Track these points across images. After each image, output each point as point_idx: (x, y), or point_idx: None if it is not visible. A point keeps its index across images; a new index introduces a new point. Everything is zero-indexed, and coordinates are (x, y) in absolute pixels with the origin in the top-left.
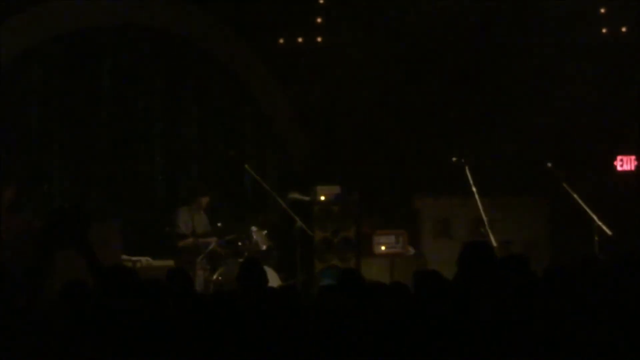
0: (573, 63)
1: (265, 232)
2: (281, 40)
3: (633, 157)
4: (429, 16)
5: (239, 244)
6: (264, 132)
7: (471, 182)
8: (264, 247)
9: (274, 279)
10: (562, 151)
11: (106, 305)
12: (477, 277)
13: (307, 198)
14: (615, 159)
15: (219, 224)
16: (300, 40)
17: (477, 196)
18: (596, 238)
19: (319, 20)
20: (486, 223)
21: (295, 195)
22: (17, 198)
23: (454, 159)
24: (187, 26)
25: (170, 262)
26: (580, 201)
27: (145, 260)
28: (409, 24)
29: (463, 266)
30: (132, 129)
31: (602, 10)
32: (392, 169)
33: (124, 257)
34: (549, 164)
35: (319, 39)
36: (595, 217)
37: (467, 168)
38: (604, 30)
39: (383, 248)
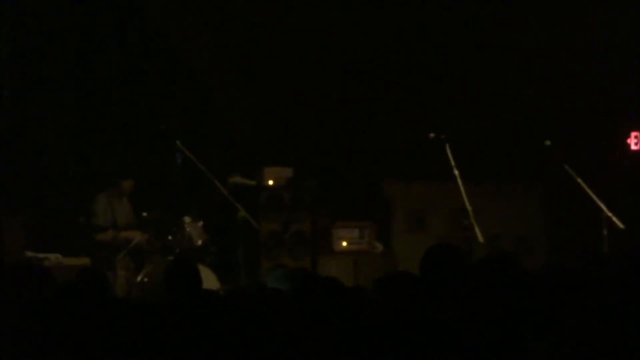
0: (575, 20)
1: (200, 223)
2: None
3: None
4: None
5: (169, 237)
6: (200, 103)
7: (452, 163)
8: (199, 242)
9: (211, 281)
10: (564, 126)
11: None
12: (446, 291)
13: (252, 182)
14: (629, 136)
15: (145, 214)
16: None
17: (459, 181)
18: (605, 232)
19: None
20: (470, 214)
21: (238, 179)
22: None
23: (431, 134)
24: None
25: (85, 260)
26: (585, 187)
27: (54, 257)
28: None
29: (427, 276)
30: (36, 95)
31: None
32: (356, 147)
33: (29, 254)
34: (548, 142)
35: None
36: (603, 207)
37: (447, 146)
38: None
39: (344, 244)
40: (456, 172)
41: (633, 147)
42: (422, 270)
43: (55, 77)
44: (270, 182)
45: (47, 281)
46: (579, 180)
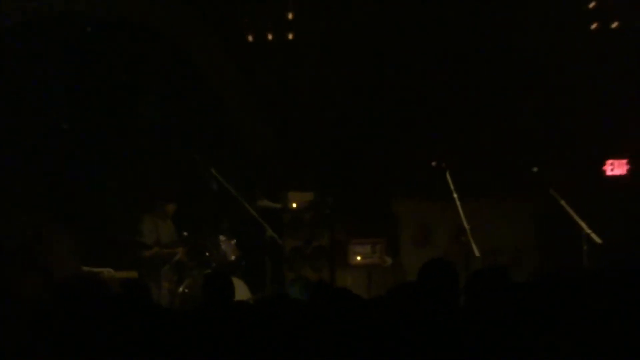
0: (560, 62)
1: (233, 241)
2: (250, 38)
3: (625, 161)
4: (408, 14)
5: (206, 254)
6: (233, 137)
7: (452, 188)
8: (233, 258)
9: (243, 291)
10: (549, 155)
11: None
12: (442, 296)
13: (278, 205)
14: (604, 164)
15: (185, 233)
16: (270, 37)
17: (458, 203)
18: (585, 247)
19: (290, 16)
20: (468, 231)
21: (266, 203)
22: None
23: (434, 163)
24: (148, 17)
25: (133, 274)
26: (568, 208)
27: (107, 271)
28: (386, 21)
29: (424, 285)
30: (91, 137)
31: (591, 5)
32: (369, 171)
33: (86, 268)
34: (535, 169)
35: (290, 36)
36: (583, 225)
37: (447, 173)
38: (593, 27)
39: (359, 258)
40: (455, 195)
41: (608, 172)
42: (419, 281)
43: (106, 115)
44: (294, 205)
45: (103, 291)
46: (563, 202)
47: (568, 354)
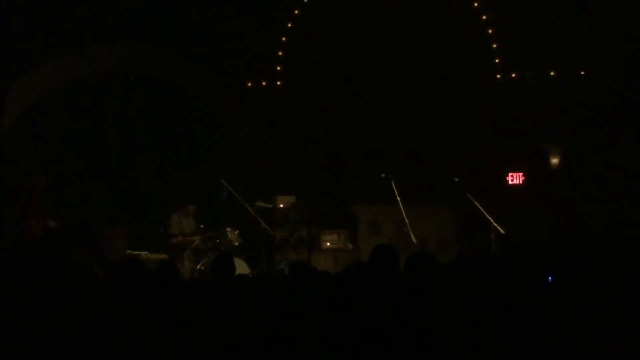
0: (476, 102)
1: (237, 232)
2: (249, 84)
3: (521, 174)
4: (364, 66)
5: (217, 241)
6: (237, 156)
7: (396, 193)
8: (237, 244)
9: (244, 268)
10: (466, 169)
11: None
12: (386, 272)
13: (270, 205)
14: (507, 175)
15: (202, 226)
16: (264, 83)
17: (400, 204)
18: (493, 236)
19: (278, 68)
20: (408, 225)
21: (261, 204)
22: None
23: (383, 175)
24: (173, 73)
25: (163, 256)
26: (480, 208)
27: (144, 254)
28: (351, 70)
29: (374, 263)
30: (133, 157)
31: (497, 60)
32: (336, 182)
33: (129, 251)
34: (456, 179)
35: (279, 83)
36: (491, 220)
37: (392, 182)
38: (498, 76)
39: (328, 244)
40: (398, 198)
41: (510, 182)
42: (370, 260)
43: (148, 144)
44: (282, 205)
45: (141, 269)
46: (477, 203)
47: (480, 313)
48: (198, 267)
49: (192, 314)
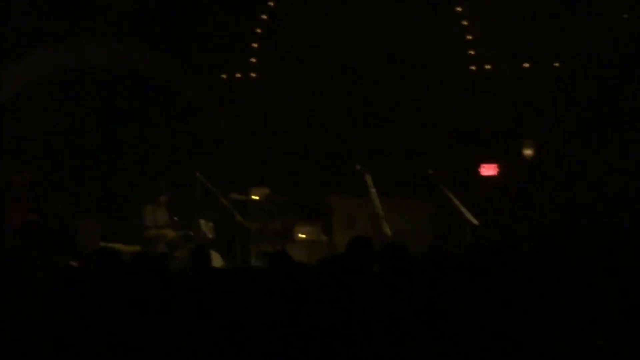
0: (450, 94)
1: (211, 224)
2: (224, 76)
3: (495, 165)
4: (338, 58)
5: (191, 233)
6: (214, 148)
7: (371, 185)
8: (211, 236)
9: (218, 261)
10: (441, 161)
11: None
12: (361, 264)
13: (244, 198)
14: (479, 167)
15: (176, 218)
16: (238, 75)
17: (375, 197)
18: (467, 228)
19: (253, 60)
20: (382, 218)
21: (235, 196)
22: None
23: (357, 167)
24: (148, 65)
25: (137, 248)
26: (454, 199)
27: (118, 246)
28: (326, 62)
29: (350, 254)
30: (107, 149)
31: (471, 52)
32: (310, 174)
33: (102, 243)
34: (430, 171)
35: (253, 75)
36: (465, 211)
37: (367, 175)
38: (472, 68)
39: (303, 236)
40: (373, 190)
41: (482, 173)
42: (347, 250)
43: (122, 137)
44: (256, 197)
45: (118, 260)
46: (451, 195)
47: (454, 305)
48: None
49: (170, 306)
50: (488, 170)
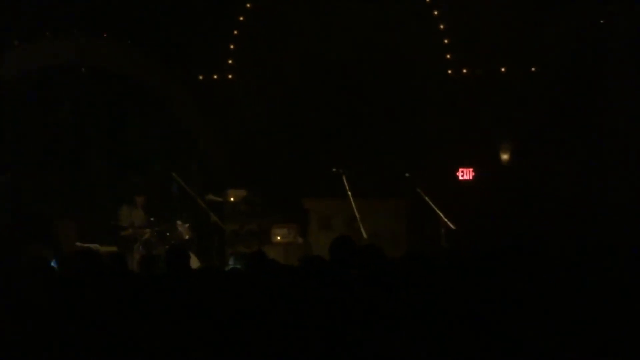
0: (427, 98)
1: (187, 225)
2: (200, 77)
3: (471, 169)
4: (315, 60)
5: (167, 234)
6: (189, 150)
7: (347, 187)
8: (187, 237)
9: (194, 262)
10: (418, 164)
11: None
12: (344, 263)
13: (220, 199)
14: (457, 170)
15: (152, 219)
16: (215, 76)
17: (351, 199)
18: (443, 230)
19: (230, 61)
20: (358, 219)
21: (211, 197)
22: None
23: (334, 169)
24: (124, 65)
25: (113, 248)
26: (431, 203)
27: (94, 246)
28: (303, 64)
29: (333, 254)
30: (84, 149)
31: (448, 56)
32: (287, 177)
33: (78, 244)
34: (407, 174)
35: (230, 76)
36: (442, 215)
37: (344, 177)
38: (449, 72)
39: (279, 238)
40: (349, 192)
41: (460, 177)
42: (331, 250)
43: (99, 137)
44: (232, 199)
45: (96, 260)
46: (427, 198)
47: (429, 307)
48: None
49: (146, 307)
50: (465, 174)
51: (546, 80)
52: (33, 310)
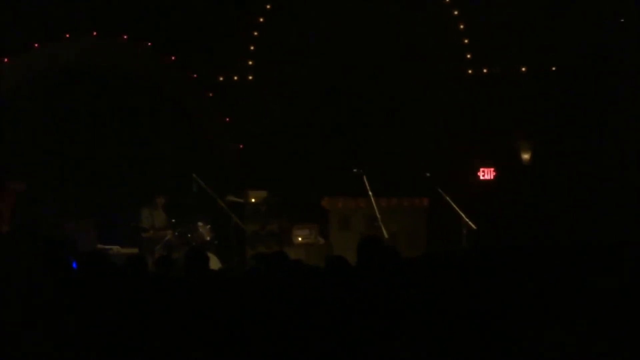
0: (447, 97)
1: (208, 226)
2: (221, 78)
3: (492, 169)
4: (335, 60)
5: (189, 235)
6: (209, 151)
7: (368, 187)
8: (208, 238)
9: (215, 263)
10: (438, 164)
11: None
12: (373, 263)
13: (241, 200)
14: (478, 170)
15: (173, 220)
16: (235, 78)
17: (372, 198)
18: (464, 231)
19: (250, 62)
20: (379, 218)
21: (232, 198)
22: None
23: (354, 169)
24: (143, 66)
25: (135, 250)
26: (452, 203)
27: (116, 248)
28: (322, 64)
29: (361, 254)
30: (104, 150)
31: (468, 56)
32: (307, 177)
33: (99, 246)
34: (428, 174)
35: (250, 77)
36: (463, 215)
37: (364, 177)
38: (469, 72)
39: (300, 239)
40: (370, 192)
41: (481, 177)
42: (359, 250)
43: (120, 139)
44: (253, 200)
45: (108, 263)
46: (447, 198)
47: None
48: None
49: (165, 309)
50: (486, 174)
51: (567, 79)
52: (50, 311)
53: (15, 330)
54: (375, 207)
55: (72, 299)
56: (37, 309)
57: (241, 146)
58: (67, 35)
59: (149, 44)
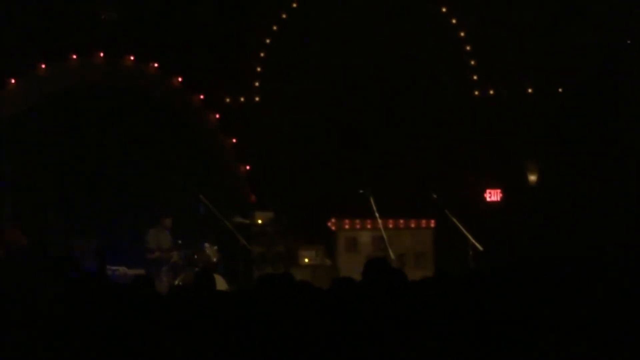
0: (454, 118)
1: (215, 247)
2: (227, 99)
3: (499, 191)
4: (342, 82)
5: (195, 256)
6: (215, 172)
7: (374, 209)
8: (214, 259)
9: (222, 284)
10: (445, 185)
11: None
12: (378, 284)
13: (247, 221)
14: (485, 192)
15: (180, 241)
16: (242, 99)
17: (379, 220)
18: (470, 252)
19: (257, 83)
20: (386, 240)
21: (239, 219)
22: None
23: (361, 190)
24: (151, 86)
25: (141, 271)
26: (458, 224)
27: (122, 269)
28: (329, 85)
29: (367, 275)
30: (110, 171)
31: (475, 77)
32: (314, 198)
33: (108, 267)
34: (434, 195)
35: (257, 98)
36: (469, 236)
37: (371, 198)
38: (476, 93)
39: (306, 260)
40: (377, 214)
41: (488, 199)
42: (365, 271)
43: (125, 159)
44: (259, 221)
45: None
46: (454, 219)
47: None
48: (176, 282)
49: (174, 329)
50: (492, 195)
51: (573, 100)
52: (53, 328)
53: (18, 345)
54: (382, 229)
55: (77, 316)
56: (41, 325)
57: (248, 167)
58: (74, 56)
59: (156, 65)
